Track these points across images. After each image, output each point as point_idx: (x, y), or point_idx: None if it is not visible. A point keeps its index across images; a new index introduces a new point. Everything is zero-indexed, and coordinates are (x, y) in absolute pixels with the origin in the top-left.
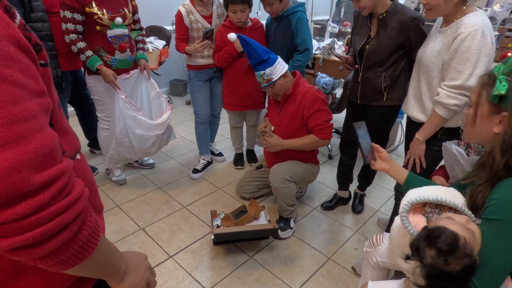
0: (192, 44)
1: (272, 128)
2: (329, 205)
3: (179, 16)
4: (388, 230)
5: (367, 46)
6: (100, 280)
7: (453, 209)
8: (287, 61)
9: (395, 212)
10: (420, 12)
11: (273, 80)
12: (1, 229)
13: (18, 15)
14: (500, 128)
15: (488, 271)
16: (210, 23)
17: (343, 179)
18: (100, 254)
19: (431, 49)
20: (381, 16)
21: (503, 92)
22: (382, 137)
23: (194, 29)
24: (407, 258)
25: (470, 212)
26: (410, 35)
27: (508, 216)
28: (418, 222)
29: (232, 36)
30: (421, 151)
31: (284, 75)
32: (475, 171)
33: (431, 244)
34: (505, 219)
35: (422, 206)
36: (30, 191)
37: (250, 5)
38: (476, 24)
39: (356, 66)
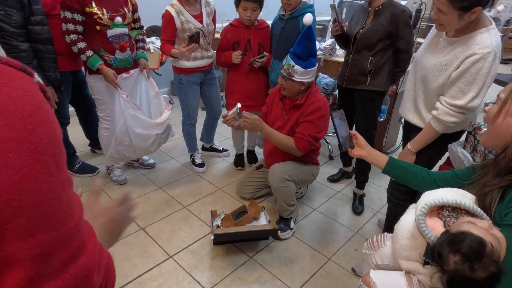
0: (179, 46)
1: (244, 112)
2: (335, 178)
3: (168, 17)
4: (385, 230)
5: (361, 30)
6: None
7: (471, 213)
8: None
9: (390, 214)
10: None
11: (293, 79)
12: None
13: (36, 77)
14: None
15: None
16: (201, 22)
17: (346, 158)
18: None
19: (437, 61)
20: (377, 8)
21: None
22: (370, 123)
23: (186, 29)
24: (426, 263)
25: (488, 217)
26: (399, 25)
27: None
28: (435, 226)
29: (308, 18)
30: (410, 161)
31: (303, 83)
32: (484, 169)
33: (455, 249)
34: None
35: (438, 209)
36: None
37: (261, 6)
38: (489, 45)
39: (342, 31)
